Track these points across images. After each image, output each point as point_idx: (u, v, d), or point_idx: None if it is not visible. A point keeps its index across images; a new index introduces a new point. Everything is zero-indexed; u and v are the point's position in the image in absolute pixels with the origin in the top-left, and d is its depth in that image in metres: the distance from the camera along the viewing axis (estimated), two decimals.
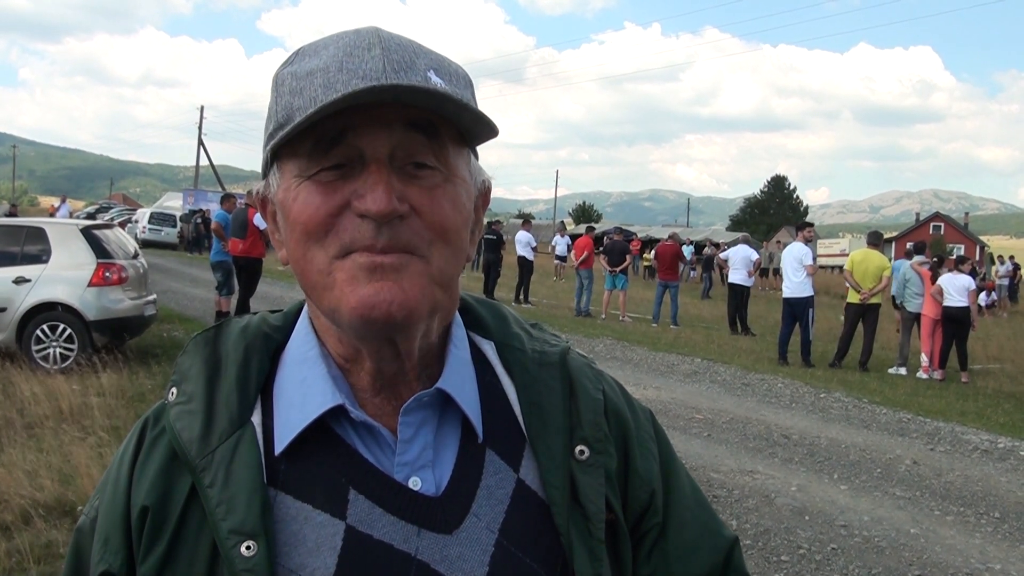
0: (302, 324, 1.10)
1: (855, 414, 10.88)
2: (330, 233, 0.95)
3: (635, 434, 1.17)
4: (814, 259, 15.77)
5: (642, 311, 22.57)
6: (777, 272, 35.46)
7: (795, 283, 14.99)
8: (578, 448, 1.08)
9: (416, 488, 1.01)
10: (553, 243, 37.94)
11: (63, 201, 35.77)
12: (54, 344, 10.90)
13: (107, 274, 11.19)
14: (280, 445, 1.01)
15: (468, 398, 1.06)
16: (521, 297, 23.47)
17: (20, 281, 10.91)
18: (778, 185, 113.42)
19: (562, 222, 68.02)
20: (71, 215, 34.51)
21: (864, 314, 14.70)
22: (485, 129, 1.00)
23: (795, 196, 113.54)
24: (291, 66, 0.99)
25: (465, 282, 27.59)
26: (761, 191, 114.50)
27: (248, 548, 0.94)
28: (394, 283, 0.94)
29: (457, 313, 1.14)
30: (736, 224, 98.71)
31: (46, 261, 11.12)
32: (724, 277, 34.46)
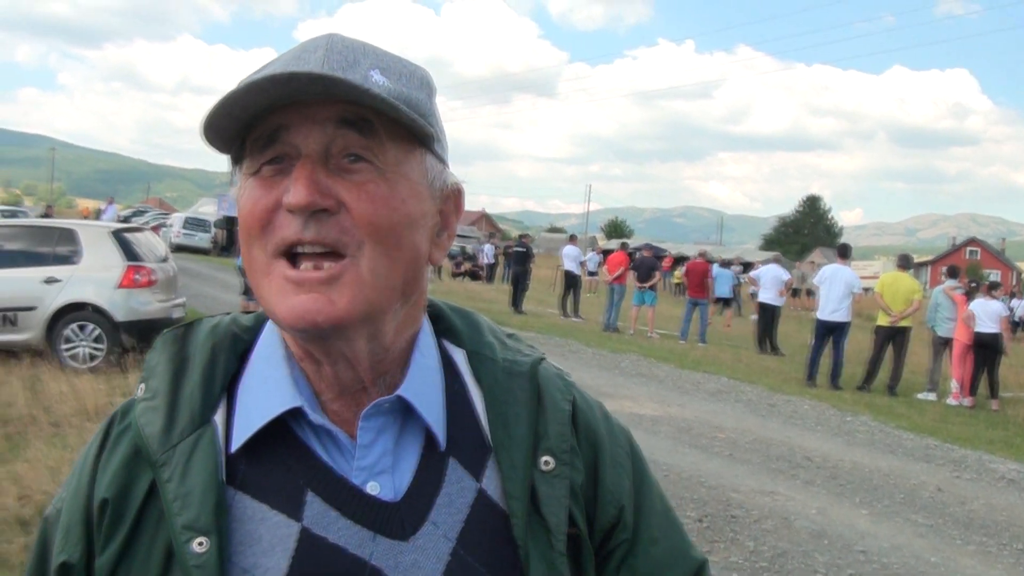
0: (270, 325, 1.11)
1: (880, 438, 10.76)
2: (266, 230, 0.97)
3: (608, 449, 1.16)
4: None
5: (671, 328, 22.48)
6: (810, 293, 35.22)
7: (841, 308, 14.80)
8: (543, 459, 1.07)
9: (375, 493, 1.01)
10: (585, 258, 37.96)
11: (110, 203, 36.12)
12: (83, 344, 11.04)
13: (136, 276, 11.33)
14: (236, 443, 1.02)
15: (430, 406, 1.06)
16: (569, 311, 23.49)
17: (51, 281, 11.05)
18: (812, 205, 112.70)
19: (593, 237, 67.92)
20: (118, 217, 34.75)
21: (893, 337, 14.55)
22: (420, 128, 0.99)
23: (829, 216, 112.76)
24: (252, 73, 1.00)
25: (494, 294, 27.69)
26: (795, 211, 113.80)
27: (200, 544, 0.95)
28: (320, 295, 0.94)
29: (427, 320, 1.14)
30: (769, 243, 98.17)
31: (77, 262, 11.26)
32: (753, 296, 34.31)
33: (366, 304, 0.96)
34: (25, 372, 10.01)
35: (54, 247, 11.41)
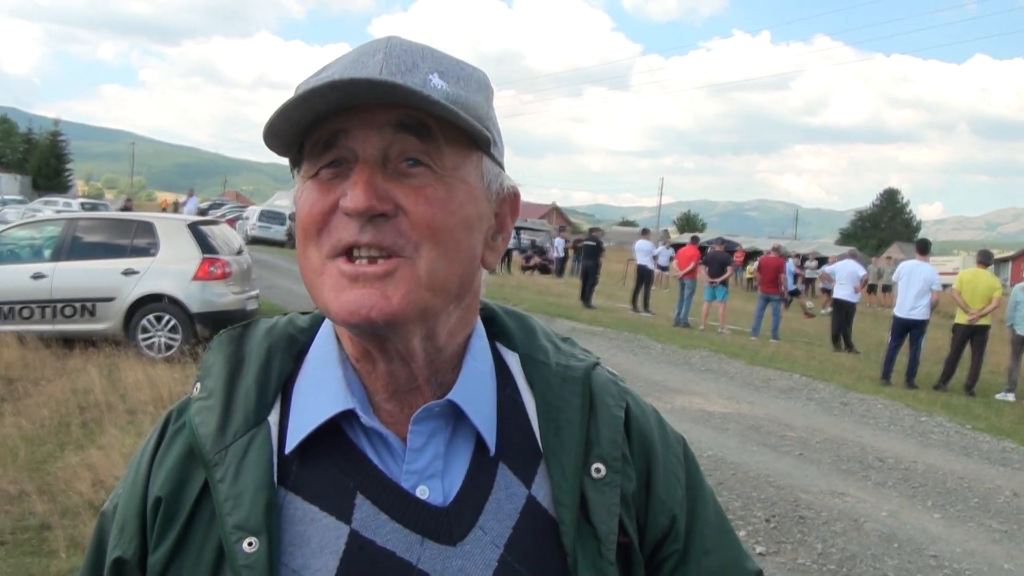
0: (326, 326, 1.12)
1: (956, 440, 10.51)
2: (323, 232, 0.97)
3: (661, 457, 1.15)
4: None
5: (743, 324, 22.22)
6: (887, 289, 34.51)
7: (920, 306, 14.46)
8: (594, 466, 1.06)
9: (424, 497, 1.01)
10: (656, 252, 37.62)
11: (191, 195, 36.77)
12: (159, 334, 11.30)
13: (211, 268, 11.56)
14: (290, 446, 1.03)
15: (481, 411, 1.06)
16: (640, 306, 23.38)
17: (129, 273, 11.34)
18: (890, 199, 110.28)
19: (665, 231, 67.40)
20: (198, 209, 35.37)
21: (972, 336, 14.18)
22: (479, 133, 0.98)
23: (908, 211, 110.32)
24: (312, 76, 1.01)
25: (563, 287, 27.66)
26: (873, 204, 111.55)
27: (250, 544, 0.96)
28: (375, 290, 0.94)
29: (480, 324, 1.13)
30: (846, 238, 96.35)
31: (154, 254, 11.54)
32: (827, 291, 33.73)
33: (420, 302, 0.96)
34: (103, 361, 10.30)
35: (132, 239, 11.70)
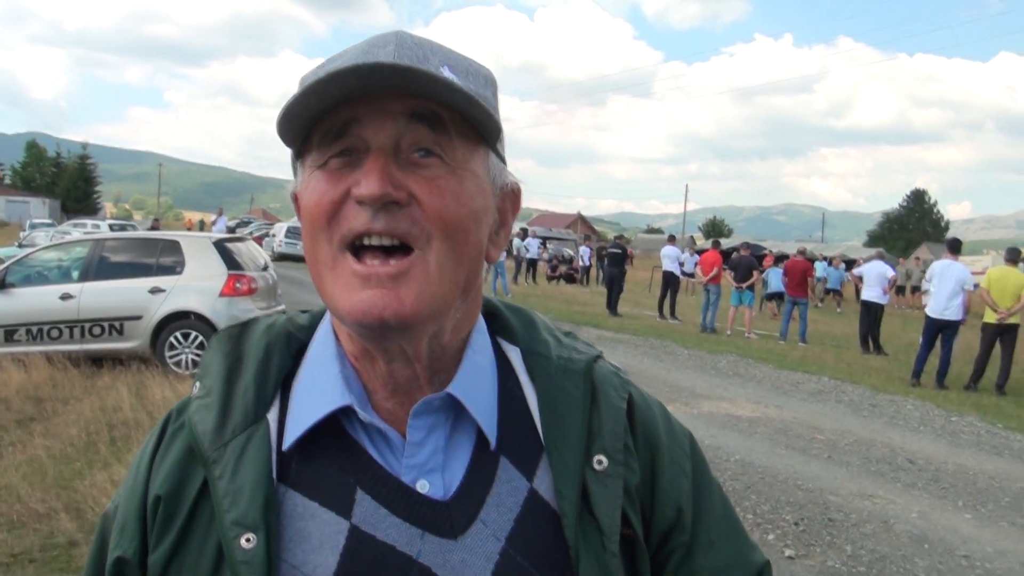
0: (325, 323, 1.12)
1: (987, 440, 10.38)
2: (332, 223, 0.96)
3: (666, 448, 1.14)
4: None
5: (770, 328, 22.09)
6: (916, 290, 34.19)
7: (952, 306, 14.30)
8: (596, 458, 1.06)
9: (424, 491, 1.01)
10: (683, 258, 37.42)
11: (220, 214, 36.99)
12: (186, 351, 11.37)
13: (237, 285, 11.62)
14: (288, 442, 1.03)
15: (481, 404, 1.06)
16: (667, 313, 23.31)
17: (155, 291, 11.42)
18: (918, 199, 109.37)
19: (691, 237, 67.18)
20: (227, 227, 35.54)
21: (1002, 335, 14.00)
22: (493, 124, 0.99)
23: (936, 211, 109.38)
24: (317, 68, 1.01)
25: (589, 296, 27.58)
26: (900, 205, 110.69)
27: (248, 540, 0.96)
28: (388, 291, 0.94)
29: (481, 318, 1.13)
30: (873, 239, 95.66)
31: (180, 272, 11.62)
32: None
33: (432, 300, 0.96)
34: (131, 379, 10.37)
35: (158, 258, 11.79)
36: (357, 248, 0.96)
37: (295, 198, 1.05)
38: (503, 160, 1.08)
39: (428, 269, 0.95)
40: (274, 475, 1.01)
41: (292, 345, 1.12)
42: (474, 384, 1.06)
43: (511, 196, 1.10)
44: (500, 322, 1.18)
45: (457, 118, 0.96)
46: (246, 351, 1.10)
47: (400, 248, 0.95)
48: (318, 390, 1.05)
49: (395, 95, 0.94)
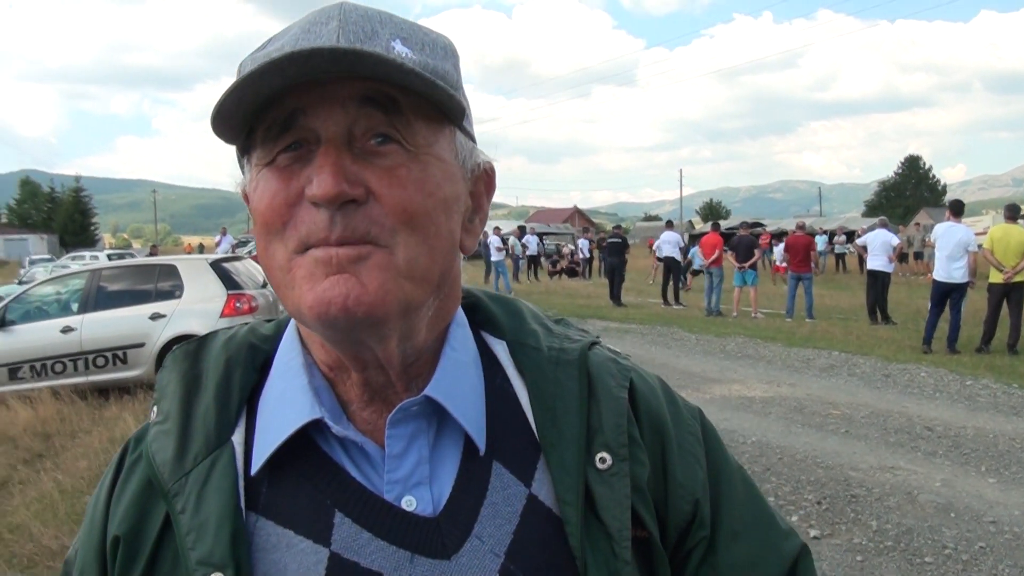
0: (289, 332, 1.02)
1: (1004, 401, 10.27)
2: (288, 225, 0.86)
3: (675, 436, 1.04)
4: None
5: (776, 306, 21.99)
6: (918, 256, 34.06)
7: (956, 269, 14.16)
8: (598, 456, 0.96)
9: (410, 509, 0.91)
10: (683, 244, 37.34)
11: (224, 233, 36.93)
12: None
13: (238, 304, 11.54)
14: (255, 465, 0.93)
15: (464, 405, 0.95)
16: (671, 299, 23.20)
17: (156, 317, 11.35)
18: (912, 166, 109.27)
19: (690, 222, 67.14)
20: (232, 247, 35.36)
21: (1008, 294, 13.85)
22: (455, 104, 0.88)
23: (931, 176, 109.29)
24: (255, 52, 0.91)
25: (593, 289, 27.53)
26: (895, 173, 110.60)
27: None
28: (351, 276, 0.83)
29: (461, 312, 1.03)
30: (871, 209, 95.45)
31: (179, 296, 11.55)
32: (862, 263, 33.31)
33: (400, 293, 0.86)
34: (138, 407, 10.30)
35: (156, 284, 11.74)
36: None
37: (246, 197, 0.95)
38: (472, 139, 0.98)
39: (395, 260, 0.85)
40: (242, 504, 0.91)
41: (256, 358, 1.02)
42: (455, 384, 0.96)
43: (484, 177, 1.01)
44: (483, 314, 1.08)
45: (414, 98, 0.86)
46: (204, 368, 1.01)
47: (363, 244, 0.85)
48: (286, 406, 0.95)
49: (343, 79, 0.84)
